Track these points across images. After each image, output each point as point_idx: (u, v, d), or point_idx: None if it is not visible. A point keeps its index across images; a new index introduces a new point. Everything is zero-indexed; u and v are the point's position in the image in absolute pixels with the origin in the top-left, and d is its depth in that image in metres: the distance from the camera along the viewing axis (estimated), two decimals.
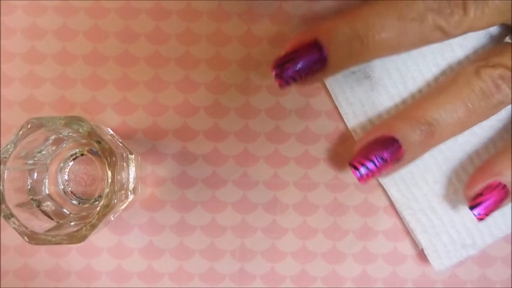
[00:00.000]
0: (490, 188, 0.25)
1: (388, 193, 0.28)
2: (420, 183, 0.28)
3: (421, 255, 0.28)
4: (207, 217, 0.28)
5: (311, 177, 0.28)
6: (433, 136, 0.25)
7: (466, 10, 0.24)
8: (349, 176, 0.28)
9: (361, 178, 0.25)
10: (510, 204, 0.27)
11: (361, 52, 0.24)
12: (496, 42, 0.27)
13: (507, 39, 0.25)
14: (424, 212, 0.28)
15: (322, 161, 0.28)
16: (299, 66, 0.24)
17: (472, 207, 0.25)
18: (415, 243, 0.28)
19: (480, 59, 0.25)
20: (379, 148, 0.25)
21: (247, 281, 0.28)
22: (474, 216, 0.25)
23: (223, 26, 0.28)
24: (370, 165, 0.25)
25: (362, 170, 0.25)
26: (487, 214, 0.25)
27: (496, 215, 0.27)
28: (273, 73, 0.25)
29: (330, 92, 0.28)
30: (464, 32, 0.25)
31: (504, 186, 0.25)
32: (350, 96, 0.28)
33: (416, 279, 0.28)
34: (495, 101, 0.24)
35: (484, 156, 0.28)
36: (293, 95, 0.28)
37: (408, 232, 0.28)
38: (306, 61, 0.24)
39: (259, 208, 0.28)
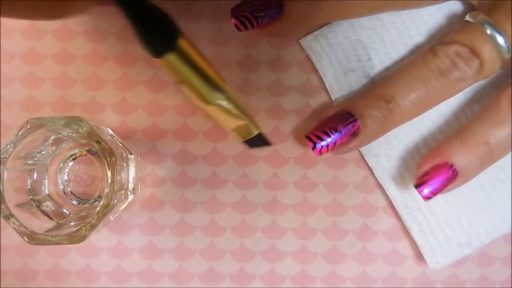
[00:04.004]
0: (436, 168, 0.25)
1: (387, 192, 0.28)
2: None
3: (421, 255, 0.28)
4: (206, 217, 0.28)
5: (311, 177, 0.28)
6: (391, 113, 0.25)
7: None
8: (349, 176, 0.28)
9: (315, 149, 0.26)
10: (491, 202, 0.27)
11: None
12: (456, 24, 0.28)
13: (467, 18, 0.25)
14: (421, 211, 0.28)
15: (321, 161, 0.28)
16: (258, 10, 0.25)
17: (417, 186, 0.26)
18: (414, 243, 0.28)
19: (437, 39, 0.26)
20: (334, 121, 0.26)
21: (247, 281, 0.28)
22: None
23: (223, 26, 0.28)
24: (324, 137, 0.25)
25: (317, 142, 0.26)
26: (433, 193, 0.25)
27: (493, 214, 0.27)
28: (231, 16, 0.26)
29: (329, 91, 0.28)
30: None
31: (451, 166, 0.25)
32: (349, 96, 0.28)
33: (415, 279, 0.28)
34: (453, 78, 0.24)
35: None
36: (292, 95, 0.29)
37: (407, 232, 0.28)
38: (265, 7, 0.25)
39: (258, 208, 0.28)
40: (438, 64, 0.25)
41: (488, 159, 0.25)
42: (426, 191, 0.25)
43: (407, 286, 0.28)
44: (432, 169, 0.25)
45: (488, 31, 0.24)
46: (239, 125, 0.21)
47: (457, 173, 0.25)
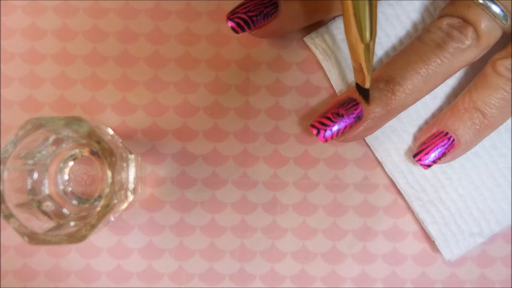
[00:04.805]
0: (432, 137, 0.26)
1: (397, 186, 0.28)
2: (427, 175, 0.28)
3: (421, 256, 0.28)
4: (206, 217, 0.28)
5: (311, 177, 0.28)
6: (393, 93, 0.25)
7: None
8: (349, 176, 0.28)
9: (319, 135, 0.26)
10: (501, 191, 0.27)
11: None
12: None
13: None
14: (433, 203, 0.28)
15: (321, 161, 0.28)
16: (252, 10, 0.25)
17: (415, 156, 0.26)
18: (414, 243, 0.28)
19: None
20: (336, 107, 0.26)
21: (247, 281, 0.28)
22: (479, 202, 0.27)
23: (223, 26, 0.28)
24: (327, 122, 0.26)
25: (320, 127, 0.26)
26: (432, 161, 0.26)
27: (503, 203, 0.28)
28: (227, 19, 0.26)
29: (334, 87, 0.28)
30: None
31: (447, 134, 0.26)
32: None
33: (415, 279, 0.28)
34: (451, 50, 0.24)
35: (489, 149, 0.28)
36: (292, 95, 0.29)
37: (407, 232, 0.28)
38: (259, 6, 0.25)
39: (258, 208, 0.28)
40: (432, 38, 0.25)
41: (484, 125, 0.25)
42: (424, 159, 0.26)
43: (407, 286, 0.28)
44: (428, 138, 0.26)
45: (480, 0, 0.24)
46: (361, 75, 0.23)
47: (453, 141, 0.26)
